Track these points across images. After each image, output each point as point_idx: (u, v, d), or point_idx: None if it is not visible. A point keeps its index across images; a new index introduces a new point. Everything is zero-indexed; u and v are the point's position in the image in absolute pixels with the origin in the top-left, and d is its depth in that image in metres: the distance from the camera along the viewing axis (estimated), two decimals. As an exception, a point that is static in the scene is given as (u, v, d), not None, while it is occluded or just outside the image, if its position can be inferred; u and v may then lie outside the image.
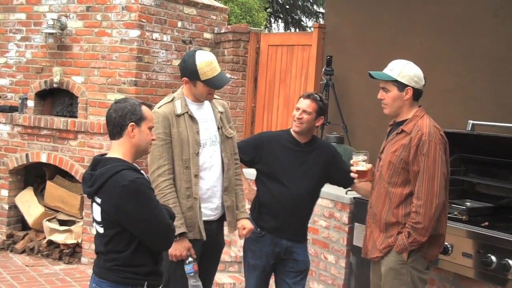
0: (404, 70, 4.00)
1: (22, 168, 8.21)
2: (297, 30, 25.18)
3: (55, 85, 7.80)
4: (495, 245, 4.38)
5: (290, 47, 8.13)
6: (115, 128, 3.32)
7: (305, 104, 4.52)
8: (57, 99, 8.12)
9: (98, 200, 3.24)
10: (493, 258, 4.35)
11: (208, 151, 4.30)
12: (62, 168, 7.73)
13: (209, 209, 4.31)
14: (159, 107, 4.23)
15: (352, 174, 4.30)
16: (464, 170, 5.41)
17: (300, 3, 26.17)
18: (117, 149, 3.33)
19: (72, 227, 7.71)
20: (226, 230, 4.59)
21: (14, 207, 8.16)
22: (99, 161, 3.30)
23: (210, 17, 8.45)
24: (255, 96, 8.50)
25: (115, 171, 3.18)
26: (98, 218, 3.27)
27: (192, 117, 4.23)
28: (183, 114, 4.21)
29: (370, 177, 4.26)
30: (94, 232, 3.41)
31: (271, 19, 25.99)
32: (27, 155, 7.95)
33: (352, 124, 7.18)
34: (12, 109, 8.14)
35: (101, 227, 3.28)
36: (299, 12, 26.50)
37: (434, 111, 5.28)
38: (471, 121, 5.43)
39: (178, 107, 4.21)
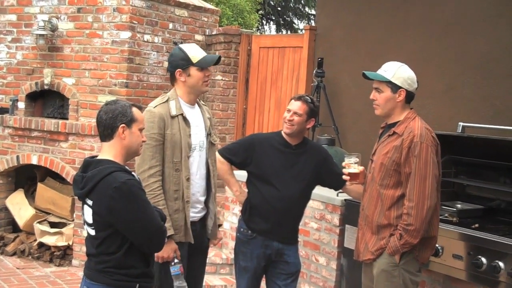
0: (398, 72, 4.01)
1: (13, 170, 8.19)
2: (289, 32, 25.21)
3: (46, 87, 7.79)
4: (486, 247, 4.39)
5: (282, 49, 8.14)
6: (105, 130, 3.31)
7: (296, 106, 4.52)
8: (48, 100, 8.11)
9: (90, 202, 3.23)
10: (484, 260, 4.37)
11: (196, 156, 4.31)
12: (53, 170, 7.71)
13: (193, 212, 4.32)
14: (154, 107, 4.21)
15: (344, 177, 4.31)
16: (455, 172, 5.42)
17: (291, 5, 26.21)
18: (108, 151, 3.33)
19: (63, 229, 7.69)
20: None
21: (4, 209, 8.14)
22: (90, 163, 3.30)
23: (201, 19, 8.45)
24: (247, 98, 8.50)
25: (106, 172, 3.18)
26: (90, 220, 3.26)
27: (185, 120, 4.24)
28: (177, 116, 4.21)
29: (362, 179, 4.26)
30: (85, 234, 3.40)
31: (263, 21, 26.00)
32: (18, 157, 7.92)
33: (343, 126, 7.19)
34: (2, 110, 8.12)
35: (92, 229, 3.27)
36: (290, 14, 26.54)
37: (424, 113, 5.30)
38: (461, 123, 5.44)
39: (172, 108, 4.21)
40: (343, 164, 4.32)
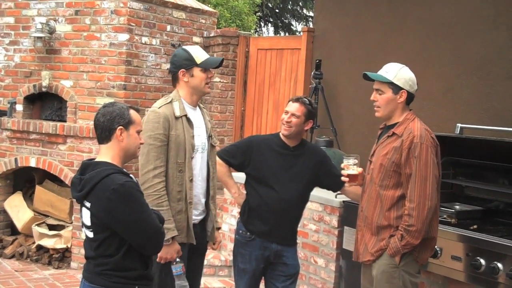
0: (400, 73, 4.01)
1: (11, 173, 8.18)
2: (287, 34, 25.19)
3: (44, 89, 7.78)
4: (484, 248, 4.39)
5: (280, 51, 8.14)
6: (103, 132, 3.31)
7: (294, 107, 4.52)
8: (46, 103, 8.10)
9: (88, 204, 3.23)
10: (482, 261, 4.37)
11: (198, 158, 4.32)
12: (51, 172, 7.71)
13: (195, 215, 4.32)
14: (159, 107, 4.21)
15: (343, 178, 4.30)
16: (453, 173, 5.43)
17: (290, 7, 26.18)
18: (106, 153, 3.32)
19: (62, 232, 7.69)
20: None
21: (3, 211, 8.13)
22: (88, 166, 3.29)
23: (199, 21, 8.45)
24: (245, 100, 8.50)
25: (104, 174, 3.17)
26: (88, 223, 3.26)
27: (189, 121, 4.25)
28: (181, 116, 4.21)
29: (361, 181, 4.26)
30: (84, 237, 3.39)
31: (261, 23, 25.98)
32: (16, 160, 7.92)
33: (341, 127, 7.19)
34: (1, 113, 8.11)
35: (91, 231, 3.26)
36: (288, 16, 26.51)
37: (423, 114, 5.30)
38: (459, 124, 5.45)
39: (176, 109, 4.21)
40: (342, 165, 4.31)
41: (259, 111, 8.33)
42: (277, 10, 26.00)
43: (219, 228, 4.70)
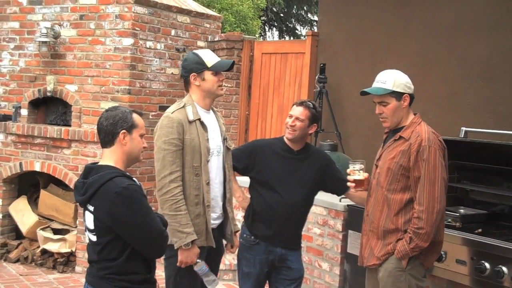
0: (396, 79, 4.00)
1: (16, 177, 8.19)
2: (291, 38, 25.22)
3: (48, 94, 7.80)
4: (489, 252, 4.39)
5: (284, 55, 8.14)
6: (106, 136, 3.32)
7: (298, 111, 4.52)
8: (51, 107, 8.12)
9: (91, 208, 3.23)
10: (487, 265, 4.36)
11: (214, 161, 4.32)
12: (56, 176, 7.72)
13: (212, 218, 4.31)
14: (172, 112, 4.21)
15: (349, 184, 4.28)
16: (458, 177, 5.42)
17: (294, 11, 26.23)
18: (109, 157, 3.33)
19: (66, 236, 7.69)
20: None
21: (8, 216, 8.13)
22: (91, 169, 3.30)
23: (203, 25, 8.46)
24: (249, 104, 8.51)
25: (107, 178, 3.18)
26: (91, 226, 3.26)
27: (203, 124, 4.25)
28: (195, 120, 4.21)
29: (367, 186, 4.24)
30: (87, 241, 3.40)
31: (266, 27, 26.03)
32: (20, 164, 7.93)
33: (346, 131, 7.19)
34: (5, 117, 8.13)
35: (94, 235, 3.26)
36: (293, 20, 26.55)
37: (427, 118, 5.29)
38: (464, 128, 5.45)
39: (190, 113, 4.21)
40: (348, 171, 4.29)
41: (264, 115, 8.33)
42: (281, 15, 26.05)
43: (237, 231, 4.68)
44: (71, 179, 7.52)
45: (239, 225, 4.74)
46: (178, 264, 4.09)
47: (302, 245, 4.84)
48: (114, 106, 3.46)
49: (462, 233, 4.64)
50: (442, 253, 4.58)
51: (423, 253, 3.93)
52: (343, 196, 4.77)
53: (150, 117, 7.64)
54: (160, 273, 4.45)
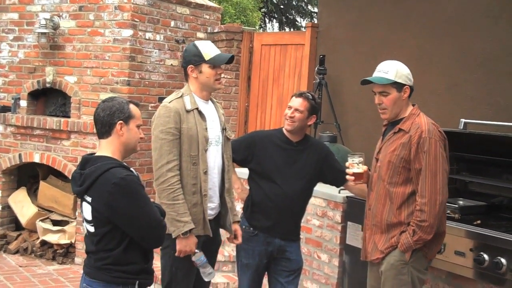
0: (398, 70, 3.98)
1: (15, 168, 8.19)
2: (292, 30, 25.16)
3: (48, 85, 7.79)
4: (488, 244, 4.38)
5: (283, 46, 8.13)
6: (103, 127, 3.32)
7: (297, 102, 4.52)
8: (50, 99, 8.11)
9: (89, 198, 3.23)
10: (486, 256, 4.36)
11: (213, 150, 4.31)
12: (55, 168, 7.72)
13: (210, 209, 4.31)
14: (169, 102, 4.21)
15: (348, 177, 4.27)
16: (457, 168, 5.40)
17: (294, 3, 26.15)
18: (106, 148, 3.33)
19: (66, 227, 7.70)
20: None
21: (7, 207, 8.15)
22: (88, 160, 3.30)
23: (203, 16, 8.45)
24: (249, 96, 8.50)
25: (105, 169, 3.18)
26: (89, 217, 3.26)
27: (201, 114, 4.25)
28: (193, 110, 4.21)
29: (366, 179, 4.23)
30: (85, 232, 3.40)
31: (266, 19, 25.97)
32: (20, 155, 7.93)
33: (345, 123, 7.18)
34: (5, 109, 8.13)
35: (92, 226, 3.26)
36: (293, 12, 26.48)
37: (427, 110, 5.28)
38: (463, 120, 5.43)
39: (187, 103, 4.21)
40: (347, 164, 4.28)
41: (263, 107, 8.33)
42: (281, 6, 25.99)
43: (238, 221, 4.66)
44: (71, 170, 7.51)
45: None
46: (176, 254, 4.09)
47: (301, 236, 4.84)
48: (111, 97, 3.46)
49: (461, 224, 4.64)
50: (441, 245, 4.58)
51: (426, 245, 3.92)
52: (342, 187, 4.77)
53: (150, 108, 7.63)
54: (156, 263, 4.44)
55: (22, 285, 6.75)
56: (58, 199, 7.82)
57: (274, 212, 4.55)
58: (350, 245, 5.69)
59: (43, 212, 7.92)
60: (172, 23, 7.99)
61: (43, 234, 7.70)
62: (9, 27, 8.18)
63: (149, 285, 3.43)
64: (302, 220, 4.84)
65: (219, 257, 6.94)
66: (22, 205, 8.00)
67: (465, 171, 5.44)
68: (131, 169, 3.31)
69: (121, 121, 3.30)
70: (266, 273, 4.76)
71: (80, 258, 7.50)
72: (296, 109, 4.50)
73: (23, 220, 7.96)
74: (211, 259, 4.47)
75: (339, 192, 5.79)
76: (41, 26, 7.62)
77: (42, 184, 7.99)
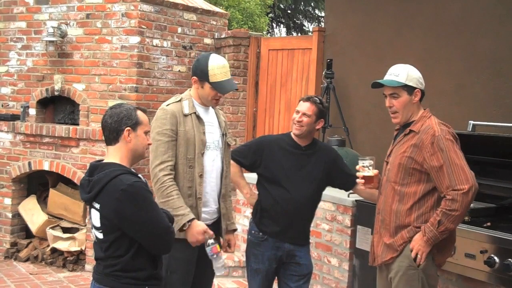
0: (410, 73, 3.97)
1: (25, 176, 8.22)
2: (299, 34, 25.17)
3: (56, 93, 7.83)
4: (498, 246, 4.37)
5: (291, 51, 8.14)
6: (111, 134, 3.33)
7: (305, 107, 4.51)
8: (59, 106, 8.15)
9: (97, 205, 3.23)
10: (496, 258, 4.34)
11: (211, 155, 4.31)
12: (65, 175, 7.74)
13: (207, 213, 4.30)
14: (167, 105, 4.24)
15: (358, 180, 4.25)
16: (466, 171, 5.38)
17: (301, 8, 26.17)
18: (114, 155, 3.33)
19: (76, 235, 7.72)
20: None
21: (17, 215, 8.17)
22: (96, 167, 3.30)
23: (210, 22, 8.46)
24: (256, 101, 8.51)
25: (113, 175, 3.18)
26: (97, 224, 3.26)
27: (199, 118, 4.25)
28: (191, 114, 4.22)
29: (377, 183, 4.19)
30: (94, 239, 3.40)
31: (273, 24, 26.00)
32: (29, 163, 7.96)
33: (353, 126, 7.17)
34: (14, 117, 8.16)
35: (100, 232, 3.27)
36: (300, 16, 26.49)
37: (435, 112, 5.26)
38: (471, 122, 5.42)
39: (185, 107, 4.22)
40: (357, 167, 4.26)
41: (271, 112, 8.33)
42: (289, 11, 26.00)
43: (234, 230, 4.65)
44: (80, 177, 7.46)
45: (245, 222, 4.72)
46: (192, 245, 4.08)
47: (310, 240, 4.83)
48: (119, 103, 3.46)
49: (471, 227, 4.62)
50: (451, 247, 4.57)
51: (439, 250, 3.88)
52: (351, 191, 4.75)
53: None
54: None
55: (33, 292, 6.78)
56: (68, 207, 7.85)
57: (283, 217, 4.55)
58: (360, 249, 5.68)
59: (53, 220, 7.95)
60: (179, 29, 8.01)
61: (54, 241, 7.72)
62: (17, 35, 8.22)
63: (158, 291, 3.43)
64: (312, 225, 4.83)
65: (230, 263, 6.96)
66: (32, 213, 8.03)
67: (474, 173, 5.41)
68: (139, 175, 3.32)
69: (128, 128, 3.31)
70: (276, 278, 4.76)
71: (90, 265, 7.51)
72: (304, 114, 4.49)
73: (34, 227, 7.98)
74: (209, 265, 4.44)
75: (348, 196, 5.79)
76: (49, 35, 7.66)
77: (51, 191, 8.02)
